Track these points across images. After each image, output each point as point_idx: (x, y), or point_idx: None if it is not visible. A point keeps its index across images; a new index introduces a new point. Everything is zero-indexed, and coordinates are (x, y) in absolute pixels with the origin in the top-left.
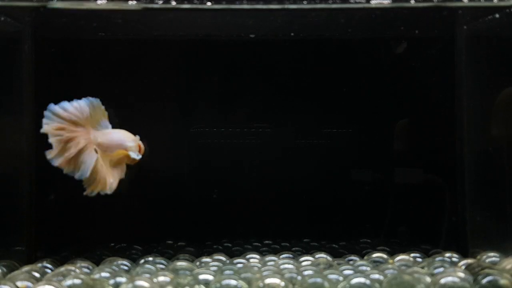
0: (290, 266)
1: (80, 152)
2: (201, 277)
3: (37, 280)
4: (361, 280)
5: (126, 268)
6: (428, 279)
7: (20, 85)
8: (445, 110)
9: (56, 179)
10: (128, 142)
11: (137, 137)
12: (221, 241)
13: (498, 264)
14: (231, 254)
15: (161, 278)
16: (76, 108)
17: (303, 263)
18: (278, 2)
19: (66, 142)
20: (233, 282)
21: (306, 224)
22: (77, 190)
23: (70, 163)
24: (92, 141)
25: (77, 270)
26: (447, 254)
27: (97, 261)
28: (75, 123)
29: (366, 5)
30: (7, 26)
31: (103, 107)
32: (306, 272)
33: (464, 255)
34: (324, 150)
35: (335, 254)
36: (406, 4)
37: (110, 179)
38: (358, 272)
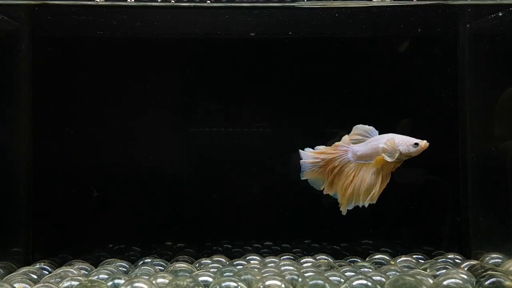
0: (291, 267)
1: (336, 174)
2: (201, 279)
3: (35, 282)
4: (363, 281)
5: (124, 269)
6: (431, 281)
7: (17, 84)
8: (448, 109)
9: (53, 180)
10: (380, 145)
11: (399, 139)
12: (220, 242)
13: (501, 266)
14: (231, 256)
15: (160, 280)
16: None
17: (304, 265)
18: (278, 1)
19: (325, 166)
20: (233, 284)
21: (307, 225)
22: (75, 191)
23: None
24: (352, 158)
25: (75, 272)
26: (450, 256)
27: (95, 263)
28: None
29: (368, 3)
30: (4, 24)
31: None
32: (307, 274)
33: (467, 256)
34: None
35: (337, 256)
36: (408, 2)
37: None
38: (359, 273)
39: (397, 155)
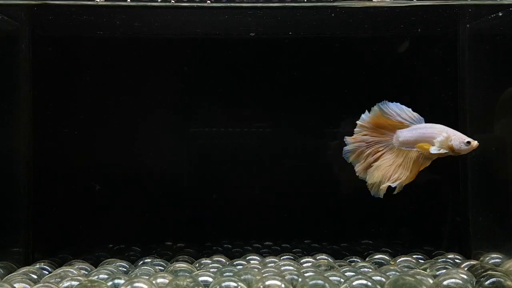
0: (291, 267)
1: (376, 159)
2: (201, 279)
3: (35, 282)
4: (363, 281)
5: (124, 269)
6: (431, 281)
7: (17, 84)
8: (448, 109)
9: (53, 180)
10: (436, 136)
11: (452, 134)
12: (220, 242)
13: (501, 266)
14: (231, 256)
15: (160, 280)
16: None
17: (304, 265)
18: (278, 0)
19: (367, 148)
20: (233, 284)
21: (307, 225)
22: (75, 191)
23: (366, 169)
24: (395, 143)
25: (75, 272)
26: (450, 256)
27: (95, 263)
28: (379, 129)
29: (368, 3)
30: (4, 24)
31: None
32: (307, 274)
33: (467, 256)
34: (326, 150)
35: (336, 256)
36: (408, 2)
37: (392, 182)
38: (359, 273)
39: (446, 148)
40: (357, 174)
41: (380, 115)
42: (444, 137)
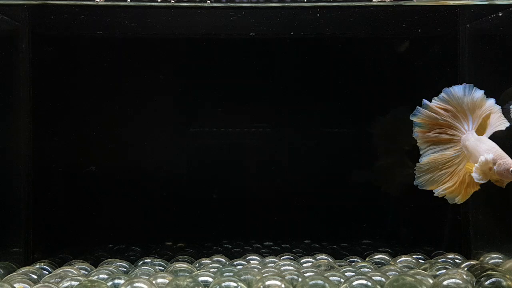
0: (291, 267)
1: (439, 140)
2: (201, 279)
3: (35, 282)
4: (363, 281)
5: (124, 269)
6: (431, 281)
7: (17, 84)
8: None
9: (53, 181)
10: (483, 158)
11: (500, 158)
12: (220, 242)
13: (501, 266)
14: (231, 256)
15: (160, 280)
16: (471, 102)
17: (304, 265)
18: (278, 1)
19: (436, 124)
20: (233, 284)
21: (307, 225)
22: (75, 191)
23: (427, 141)
24: (461, 141)
25: (75, 272)
26: (450, 256)
27: (95, 263)
28: (457, 113)
29: (368, 3)
30: (4, 24)
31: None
32: (307, 274)
33: (467, 256)
34: (325, 150)
35: (336, 256)
36: (408, 3)
37: (450, 188)
38: (359, 273)
39: (486, 172)
40: (416, 138)
41: (487, 111)
42: (485, 159)
